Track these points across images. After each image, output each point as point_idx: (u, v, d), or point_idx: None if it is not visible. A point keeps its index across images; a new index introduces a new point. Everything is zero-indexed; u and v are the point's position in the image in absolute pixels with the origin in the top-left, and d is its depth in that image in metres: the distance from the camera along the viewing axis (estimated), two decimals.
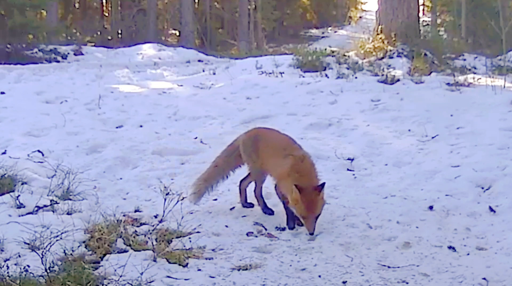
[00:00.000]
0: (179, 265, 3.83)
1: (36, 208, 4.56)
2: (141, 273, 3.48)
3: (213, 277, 3.71)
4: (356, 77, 9.79)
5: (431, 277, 3.78)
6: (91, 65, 14.52)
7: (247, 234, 4.45)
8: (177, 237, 4.24)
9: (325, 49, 12.17)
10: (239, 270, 3.83)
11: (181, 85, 10.59)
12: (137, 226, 4.47)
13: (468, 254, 4.14)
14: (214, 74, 11.77)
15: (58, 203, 4.75)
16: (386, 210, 4.91)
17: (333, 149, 6.67)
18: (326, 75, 10.14)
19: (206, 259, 3.98)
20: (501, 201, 5.03)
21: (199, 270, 3.80)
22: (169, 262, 3.84)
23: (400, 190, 5.44)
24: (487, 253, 4.16)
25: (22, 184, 5.20)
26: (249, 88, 9.62)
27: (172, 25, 29.68)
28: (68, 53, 18.47)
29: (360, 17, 38.62)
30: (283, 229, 4.55)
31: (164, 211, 4.38)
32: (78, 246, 3.94)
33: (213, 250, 4.14)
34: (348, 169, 6.15)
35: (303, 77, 10.19)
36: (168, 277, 3.67)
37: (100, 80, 11.18)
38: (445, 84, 9.11)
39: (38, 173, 5.63)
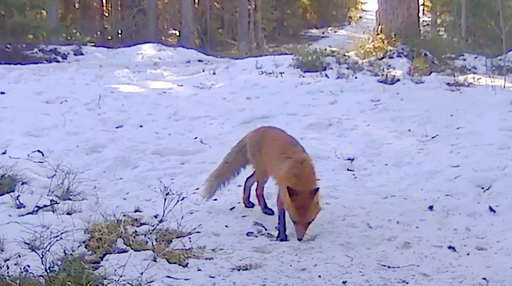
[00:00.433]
0: (179, 265, 3.83)
1: (36, 208, 4.56)
2: (141, 273, 3.48)
3: (213, 277, 3.71)
4: (356, 77, 9.78)
5: (431, 277, 3.78)
6: (91, 65, 14.53)
7: (247, 234, 4.45)
8: (177, 237, 4.24)
9: (325, 49, 12.16)
10: (239, 270, 3.83)
11: (181, 85, 10.59)
12: (137, 226, 4.47)
13: (468, 254, 4.14)
14: (214, 74, 11.77)
15: (58, 203, 4.75)
16: (386, 210, 4.91)
17: (333, 149, 6.67)
18: (326, 75, 10.14)
19: (206, 259, 3.98)
20: (501, 201, 5.03)
21: (199, 270, 3.80)
22: (169, 262, 3.84)
23: (400, 190, 5.44)
24: (487, 253, 4.16)
25: (22, 184, 5.20)
26: (249, 88, 9.62)
27: (172, 25, 29.70)
28: (68, 53, 18.50)
29: (360, 17, 38.67)
30: None
31: (164, 211, 4.38)
32: (78, 246, 3.94)
33: (213, 250, 4.14)
34: (348, 169, 6.15)
35: (303, 77, 10.18)
36: (168, 277, 3.67)
37: (100, 80, 11.18)
38: (445, 84, 9.11)
39: (38, 173, 5.63)
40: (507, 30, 10.18)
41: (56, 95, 9.49)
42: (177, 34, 27.69)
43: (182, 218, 4.38)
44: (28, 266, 3.45)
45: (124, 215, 4.62)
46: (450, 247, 4.21)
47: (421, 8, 20.52)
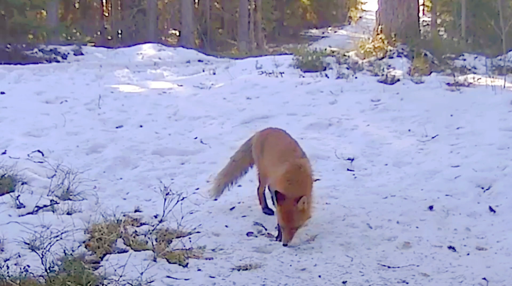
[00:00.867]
0: (179, 265, 3.83)
1: (36, 208, 4.56)
2: (141, 273, 3.47)
3: (213, 277, 3.71)
4: (356, 77, 9.78)
5: (431, 277, 3.78)
6: (91, 65, 14.53)
7: (247, 234, 4.45)
8: (177, 237, 4.24)
9: (325, 49, 12.16)
10: (239, 270, 3.83)
11: (181, 85, 10.58)
12: (137, 226, 4.47)
13: (468, 254, 4.14)
14: (214, 74, 11.77)
15: (58, 203, 4.75)
16: (386, 210, 4.91)
17: (333, 149, 6.67)
18: (326, 75, 10.14)
19: (206, 259, 3.98)
20: (501, 201, 5.03)
21: (199, 270, 3.80)
22: (169, 262, 3.84)
23: (400, 190, 5.44)
24: (487, 253, 4.16)
25: (22, 184, 5.20)
26: (249, 88, 9.62)
27: (172, 25, 29.70)
28: (68, 53, 18.50)
29: (360, 17, 38.67)
30: None
31: (164, 211, 4.38)
32: (78, 246, 3.94)
33: (213, 250, 4.14)
34: (348, 169, 6.15)
35: (303, 77, 10.18)
36: (168, 277, 3.67)
37: (100, 80, 11.18)
38: (445, 84, 9.11)
39: (38, 173, 5.63)
40: (507, 30, 10.18)
41: (56, 95, 9.48)
42: (177, 34, 27.69)
43: (182, 218, 4.38)
44: (28, 266, 3.45)
45: (124, 215, 4.62)
46: (450, 247, 4.21)
47: (421, 8, 20.51)
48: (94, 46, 20.87)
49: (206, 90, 10.10)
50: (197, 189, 5.60)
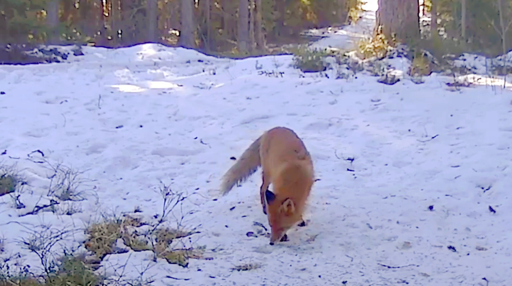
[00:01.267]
0: (179, 265, 3.83)
1: (36, 208, 4.56)
2: (141, 273, 3.48)
3: (213, 277, 3.71)
4: (356, 77, 9.78)
5: (431, 277, 3.78)
6: (91, 65, 14.53)
7: (247, 234, 4.45)
8: (177, 237, 4.24)
9: (325, 49, 12.16)
10: (239, 270, 3.83)
11: (181, 85, 10.58)
12: (137, 226, 4.47)
13: (468, 254, 4.14)
14: (214, 74, 11.77)
15: (58, 203, 4.75)
16: (386, 210, 4.91)
17: (333, 149, 6.67)
18: (326, 75, 10.14)
19: (206, 259, 3.98)
20: (501, 201, 5.03)
21: (199, 270, 3.80)
22: (169, 262, 3.84)
23: (400, 190, 5.44)
24: (487, 253, 4.16)
25: (22, 184, 5.20)
26: (249, 88, 9.62)
27: (172, 25, 29.70)
28: (68, 53, 18.50)
29: (360, 17, 38.68)
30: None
31: (164, 211, 4.38)
32: (78, 246, 3.94)
33: (213, 250, 4.14)
34: (348, 169, 6.15)
35: (303, 77, 10.18)
36: (168, 277, 3.67)
37: (100, 80, 11.18)
38: (445, 84, 9.11)
39: (38, 173, 5.63)
40: (507, 30, 10.18)
41: (56, 95, 9.48)
42: (177, 34, 27.69)
43: (182, 218, 4.38)
44: (28, 266, 3.45)
45: (124, 215, 4.62)
46: (450, 247, 4.21)
47: (421, 8, 20.51)
48: (94, 46, 20.87)
49: (206, 90, 10.11)
50: (197, 189, 5.61)
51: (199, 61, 17.28)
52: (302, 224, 4.54)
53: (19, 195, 4.69)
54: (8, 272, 3.36)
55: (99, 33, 27.02)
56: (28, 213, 4.50)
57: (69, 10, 28.19)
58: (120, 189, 5.70)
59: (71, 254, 3.73)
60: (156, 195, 5.16)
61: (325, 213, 4.84)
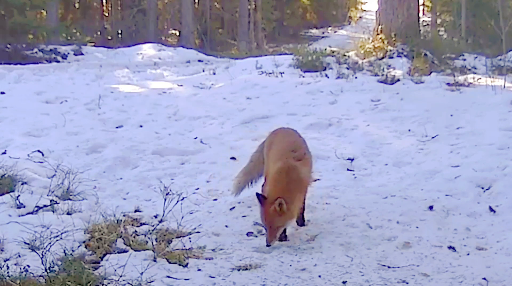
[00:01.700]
0: (179, 265, 3.83)
1: (36, 208, 4.56)
2: (141, 273, 3.48)
3: (213, 277, 3.71)
4: (356, 77, 9.78)
5: (431, 277, 3.78)
6: (91, 65, 14.53)
7: (247, 234, 4.45)
8: (177, 237, 4.25)
9: (325, 49, 12.16)
10: (239, 270, 3.83)
11: (181, 85, 10.58)
12: (137, 226, 4.47)
13: (468, 254, 4.14)
14: (214, 74, 11.77)
15: (58, 203, 4.76)
16: (386, 210, 4.91)
17: (333, 149, 6.67)
18: (326, 75, 10.14)
19: (206, 259, 3.98)
20: (501, 201, 5.03)
21: (199, 270, 3.80)
22: (169, 262, 3.84)
23: (400, 190, 5.44)
24: (487, 253, 4.16)
25: (22, 184, 5.20)
26: (249, 88, 9.62)
27: (172, 25, 29.70)
28: (68, 53, 18.50)
29: (360, 17, 38.68)
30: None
31: (164, 211, 4.38)
32: (78, 246, 3.94)
33: (213, 250, 4.14)
34: (348, 169, 6.15)
35: (303, 77, 10.18)
36: (168, 277, 3.67)
37: (100, 80, 11.18)
38: (445, 84, 9.11)
39: (38, 173, 5.63)
40: (507, 30, 10.18)
41: (56, 95, 9.48)
42: (177, 34, 27.69)
43: (182, 218, 4.39)
44: (28, 266, 3.45)
45: (124, 215, 4.63)
46: (450, 247, 4.21)
47: (421, 8, 20.51)
48: (94, 46, 20.87)
49: (206, 90, 10.11)
50: (197, 189, 5.61)
51: (199, 61, 17.28)
52: (302, 224, 4.54)
53: (19, 195, 4.69)
54: (8, 272, 3.36)
55: (99, 33, 27.01)
56: (28, 213, 4.50)
57: (69, 10, 28.19)
58: (120, 189, 5.70)
59: (71, 254, 3.73)
60: (156, 195, 5.16)
61: (325, 213, 4.84)
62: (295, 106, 8.55)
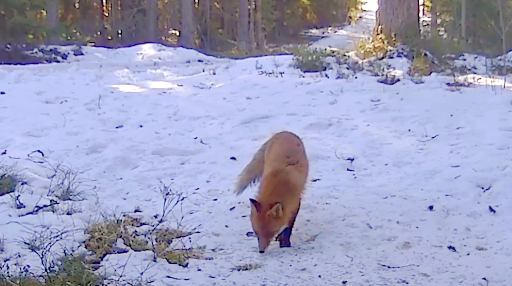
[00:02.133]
0: (179, 265, 3.84)
1: (36, 208, 4.56)
2: (141, 273, 3.48)
3: (213, 277, 3.71)
4: (356, 77, 9.78)
5: (431, 277, 3.78)
6: (91, 65, 14.53)
7: (247, 234, 4.45)
8: (177, 237, 4.25)
9: (325, 49, 12.16)
10: (239, 270, 3.83)
11: (181, 85, 10.58)
12: (137, 226, 4.47)
13: (468, 254, 4.14)
14: (214, 74, 11.77)
15: (58, 203, 4.75)
16: (386, 210, 4.91)
17: (333, 149, 6.67)
18: (326, 75, 10.14)
19: (206, 259, 3.98)
20: (501, 201, 5.03)
21: (199, 270, 3.80)
22: (169, 262, 3.84)
23: (400, 190, 5.44)
24: (487, 253, 4.16)
25: (22, 184, 5.20)
26: (249, 88, 9.62)
27: (172, 25, 29.70)
28: (68, 53, 18.50)
29: (360, 17, 38.69)
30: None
31: (164, 211, 4.38)
32: (78, 246, 3.94)
33: (213, 250, 4.14)
34: (348, 169, 6.15)
35: (303, 77, 10.18)
36: (168, 277, 3.67)
37: (100, 80, 11.18)
38: (445, 84, 9.11)
39: (38, 173, 5.63)
40: (507, 30, 10.18)
41: (56, 95, 9.48)
42: (177, 34, 27.69)
43: (182, 218, 4.39)
44: (28, 266, 3.45)
45: (124, 215, 4.63)
46: (450, 247, 4.21)
47: (421, 8, 20.51)
48: (94, 46, 20.87)
49: (206, 90, 10.11)
50: (197, 189, 5.61)
51: (199, 61, 17.29)
52: (287, 243, 4.33)
53: (19, 195, 4.69)
54: (8, 272, 3.36)
55: (99, 33, 27.00)
56: (28, 213, 4.50)
57: (69, 10, 28.19)
58: (120, 189, 5.70)
59: (71, 254, 3.73)
60: (156, 195, 5.16)
61: (325, 213, 4.84)
62: (295, 106, 8.54)
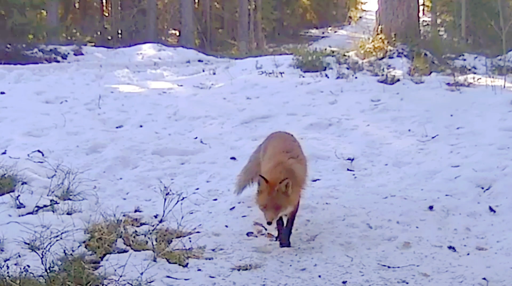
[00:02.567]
0: (179, 265, 3.84)
1: (36, 208, 4.56)
2: (141, 273, 3.48)
3: (213, 277, 3.71)
4: (356, 77, 9.78)
5: (431, 277, 3.78)
6: (91, 65, 14.53)
7: (247, 234, 4.45)
8: (177, 237, 4.25)
9: (325, 49, 12.17)
10: (239, 270, 3.83)
11: (181, 85, 10.59)
12: (137, 226, 4.47)
13: (468, 254, 4.14)
14: (214, 74, 11.77)
15: (58, 203, 4.75)
16: (386, 210, 4.91)
17: (333, 149, 6.67)
18: (326, 75, 10.13)
19: (206, 259, 3.99)
20: (501, 201, 5.03)
21: (199, 270, 3.81)
22: (169, 262, 3.84)
23: (400, 190, 5.44)
24: (487, 253, 4.16)
25: (22, 184, 5.19)
26: (249, 88, 9.62)
27: (172, 25, 29.67)
28: (68, 53, 18.51)
29: (360, 17, 38.65)
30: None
31: (164, 211, 4.38)
32: (78, 246, 3.94)
33: (213, 250, 4.14)
34: (348, 169, 6.15)
35: (303, 77, 10.18)
36: (168, 277, 3.67)
37: (100, 80, 11.18)
38: (445, 84, 9.11)
39: (38, 173, 5.62)
40: (507, 30, 10.18)
41: (56, 95, 9.48)
42: (177, 34, 27.68)
43: (182, 218, 4.39)
44: (28, 266, 3.45)
45: (124, 215, 4.63)
46: (450, 247, 4.22)
47: (421, 8, 20.51)
48: (94, 46, 20.87)
49: (206, 90, 10.11)
50: (197, 189, 5.61)
51: (199, 61, 17.28)
52: (287, 243, 4.35)
53: (19, 195, 4.69)
54: (8, 272, 3.36)
55: (99, 33, 26.98)
56: (28, 213, 4.50)
57: (69, 10, 28.18)
58: (120, 189, 5.70)
59: (71, 254, 3.73)
60: (156, 195, 5.16)
61: (325, 213, 4.84)
62: (295, 106, 8.55)
